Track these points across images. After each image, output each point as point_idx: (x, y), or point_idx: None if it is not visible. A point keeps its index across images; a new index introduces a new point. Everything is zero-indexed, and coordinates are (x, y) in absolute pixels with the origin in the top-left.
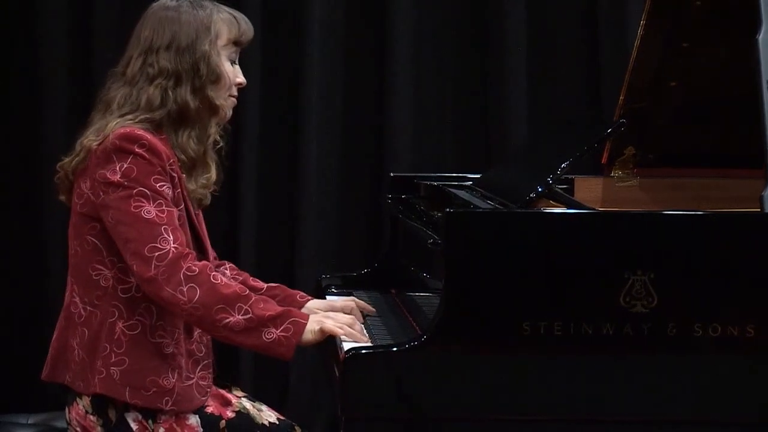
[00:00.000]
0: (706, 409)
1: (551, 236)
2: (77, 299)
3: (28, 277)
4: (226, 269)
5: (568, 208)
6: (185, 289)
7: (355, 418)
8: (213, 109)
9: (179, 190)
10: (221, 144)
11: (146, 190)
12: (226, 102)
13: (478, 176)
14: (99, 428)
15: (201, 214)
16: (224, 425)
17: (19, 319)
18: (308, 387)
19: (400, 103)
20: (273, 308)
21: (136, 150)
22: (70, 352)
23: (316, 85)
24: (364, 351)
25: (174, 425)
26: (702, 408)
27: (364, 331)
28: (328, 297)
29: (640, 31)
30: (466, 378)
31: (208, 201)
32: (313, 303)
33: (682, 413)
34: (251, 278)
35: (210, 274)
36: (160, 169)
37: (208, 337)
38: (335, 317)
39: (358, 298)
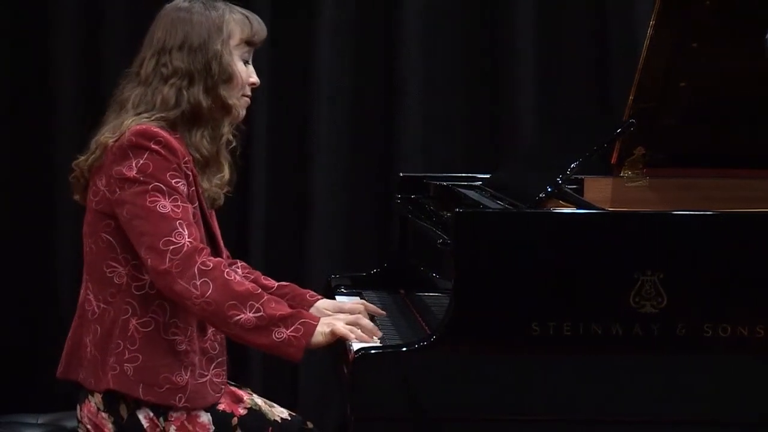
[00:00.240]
0: (716, 409)
1: (561, 236)
2: (91, 297)
3: (38, 278)
4: (238, 268)
5: (577, 209)
6: (198, 284)
7: (364, 419)
8: (226, 108)
9: (194, 188)
10: (234, 143)
11: (162, 186)
12: (239, 102)
13: (488, 176)
14: (110, 425)
15: (214, 214)
16: (236, 422)
17: (29, 319)
18: (318, 387)
19: (409, 103)
20: (284, 308)
21: (152, 146)
22: (83, 349)
23: (325, 85)
24: (373, 351)
25: (185, 423)
26: (712, 408)
27: (377, 329)
28: (337, 297)
29: (649, 32)
30: (476, 378)
31: (221, 201)
32: (323, 303)
33: (692, 413)
34: (263, 276)
35: (224, 271)
36: (175, 165)
37: (222, 334)
38: (345, 319)
39: (367, 298)
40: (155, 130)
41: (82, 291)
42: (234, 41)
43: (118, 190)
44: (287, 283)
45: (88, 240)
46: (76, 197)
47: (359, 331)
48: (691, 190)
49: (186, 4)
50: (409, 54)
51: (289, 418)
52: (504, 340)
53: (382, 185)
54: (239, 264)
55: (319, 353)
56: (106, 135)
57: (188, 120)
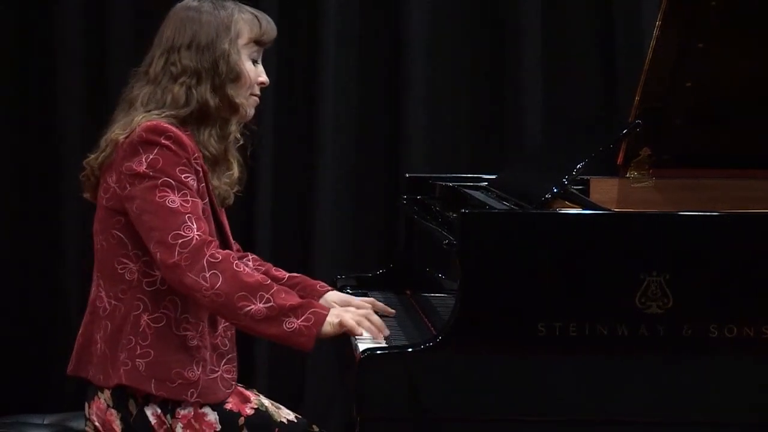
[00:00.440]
0: (722, 410)
1: (566, 237)
2: (102, 293)
3: (45, 277)
4: (249, 261)
5: (583, 209)
6: (208, 276)
7: (370, 419)
8: (233, 107)
9: (203, 184)
10: (241, 142)
11: (171, 180)
12: (247, 101)
13: (494, 177)
14: (119, 422)
15: (224, 212)
16: (243, 422)
17: (35, 320)
18: (324, 388)
19: (415, 104)
20: (294, 298)
21: (163, 141)
22: (93, 345)
23: (331, 85)
24: (379, 352)
25: (192, 421)
26: (718, 409)
27: (384, 327)
28: (349, 289)
29: (655, 32)
30: (482, 379)
31: (231, 200)
32: (332, 295)
33: (697, 414)
34: (274, 268)
35: (233, 262)
36: (185, 160)
37: (233, 331)
38: (355, 313)
39: (373, 298)
40: (165, 125)
41: (93, 288)
42: (242, 40)
43: (128, 185)
44: (298, 275)
45: (98, 237)
46: (87, 195)
47: (367, 323)
48: (697, 191)
49: (195, 3)
50: (415, 54)
51: (296, 421)
52: (510, 341)
53: (388, 186)
54: (250, 257)
55: (324, 350)
56: (117, 132)
57: (197, 119)
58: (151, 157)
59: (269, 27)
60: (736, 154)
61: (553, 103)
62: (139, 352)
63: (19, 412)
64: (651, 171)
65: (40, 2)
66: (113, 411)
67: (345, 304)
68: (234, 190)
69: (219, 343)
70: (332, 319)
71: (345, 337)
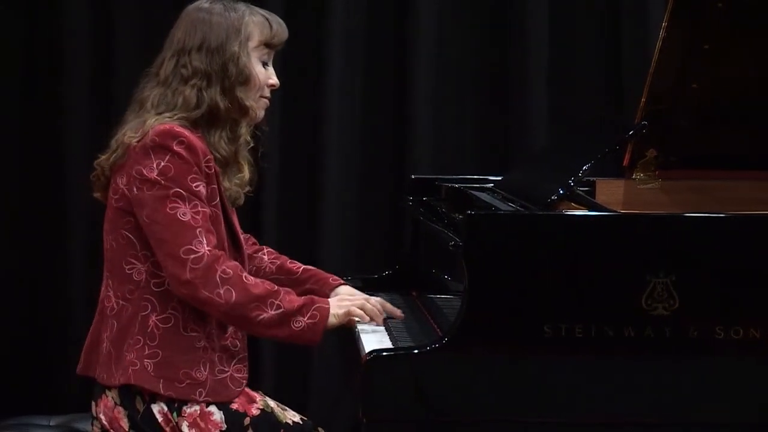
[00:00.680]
0: (728, 411)
1: (572, 238)
2: (111, 293)
3: (51, 279)
4: (264, 254)
5: (589, 211)
6: (222, 292)
7: (376, 420)
8: (243, 109)
9: (215, 185)
10: (251, 144)
11: (182, 191)
12: (257, 103)
13: (499, 178)
14: (126, 419)
15: (234, 212)
16: (248, 422)
17: (41, 321)
18: (330, 389)
19: (420, 106)
20: (298, 299)
21: (175, 148)
22: (101, 345)
23: (336, 87)
24: (385, 353)
25: (198, 420)
26: (724, 411)
27: (380, 306)
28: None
29: (661, 33)
30: (487, 380)
31: (241, 201)
32: (344, 288)
33: (704, 416)
34: (288, 261)
35: (242, 276)
36: (196, 168)
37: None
38: (353, 300)
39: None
40: (178, 129)
41: (102, 288)
42: (253, 43)
43: (136, 189)
44: (311, 267)
45: (108, 237)
46: (97, 195)
47: (369, 306)
48: (704, 193)
49: (207, 4)
50: (421, 55)
51: (301, 422)
52: (515, 342)
53: (394, 187)
54: (265, 250)
55: (330, 356)
56: (129, 135)
57: (207, 121)
58: (162, 164)
59: (280, 30)
60: (742, 156)
61: (559, 104)
62: (147, 352)
63: (25, 413)
64: (657, 172)
65: (46, 3)
66: (120, 409)
67: (349, 305)
68: (245, 191)
69: (229, 344)
70: (336, 310)
71: (349, 334)
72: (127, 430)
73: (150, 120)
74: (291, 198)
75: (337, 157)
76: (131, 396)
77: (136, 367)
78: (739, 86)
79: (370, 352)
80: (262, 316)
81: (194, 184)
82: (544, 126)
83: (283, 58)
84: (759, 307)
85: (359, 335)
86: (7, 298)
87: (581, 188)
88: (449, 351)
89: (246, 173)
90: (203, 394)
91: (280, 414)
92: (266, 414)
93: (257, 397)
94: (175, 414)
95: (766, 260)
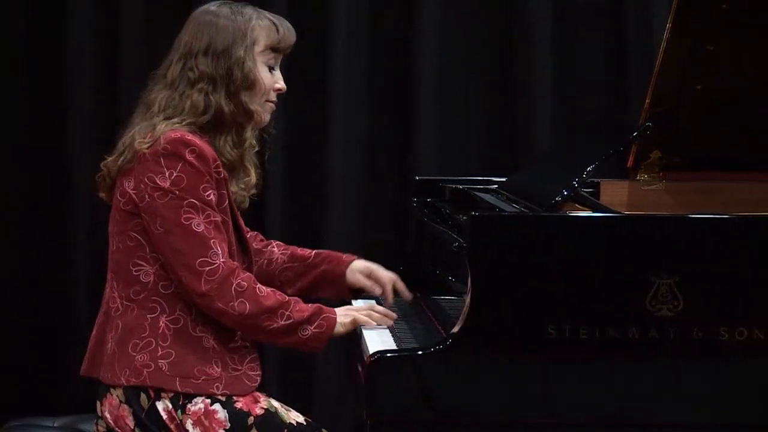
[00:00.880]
0: (731, 413)
1: (577, 240)
2: (116, 294)
3: (55, 281)
4: (274, 246)
5: (593, 212)
6: (236, 304)
7: (380, 422)
8: (248, 114)
9: (224, 190)
10: (257, 148)
11: (196, 202)
12: (262, 108)
13: (503, 179)
14: (130, 417)
15: (239, 213)
16: (252, 421)
17: (45, 323)
18: (333, 390)
19: (425, 107)
20: (307, 308)
21: (187, 156)
22: (105, 345)
23: (341, 87)
24: (389, 354)
25: (202, 418)
26: (728, 412)
27: (391, 313)
28: (353, 302)
29: (666, 35)
30: (491, 381)
31: (246, 204)
32: (358, 263)
33: (708, 417)
34: (299, 249)
35: (255, 288)
36: (207, 177)
37: None
38: (359, 309)
39: (383, 302)
40: (189, 137)
41: (107, 289)
42: (259, 47)
43: (147, 197)
44: (322, 250)
45: (114, 239)
46: (102, 195)
47: (376, 315)
48: (708, 194)
49: (214, 8)
50: (425, 57)
51: (305, 423)
52: (519, 344)
53: (398, 188)
54: (274, 243)
55: (334, 358)
56: (139, 140)
57: (213, 125)
58: (174, 174)
59: (287, 34)
60: (747, 157)
61: (563, 106)
62: (160, 353)
63: (30, 415)
64: (661, 174)
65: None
66: (125, 407)
67: (369, 272)
68: (250, 194)
69: (239, 345)
70: (343, 319)
71: (353, 335)
72: (132, 428)
73: (160, 125)
74: (295, 199)
75: (341, 158)
76: (136, 394)
77: (151, 369)
78: (743, 88)
79: (374, 353)
80: (272, 326)
81: (206, 193)
82: (549, 128)
83: (286, 59)
84: (763, 309)
85: (363, 336)
86: (10, 299)
87: (585, 189)
88: (453, 352)
89: (252, 176)
90: (221, 388)
91: (284, 414)
92: (270, 414)
93: (261, 397)
94: (179, 412)
95: None
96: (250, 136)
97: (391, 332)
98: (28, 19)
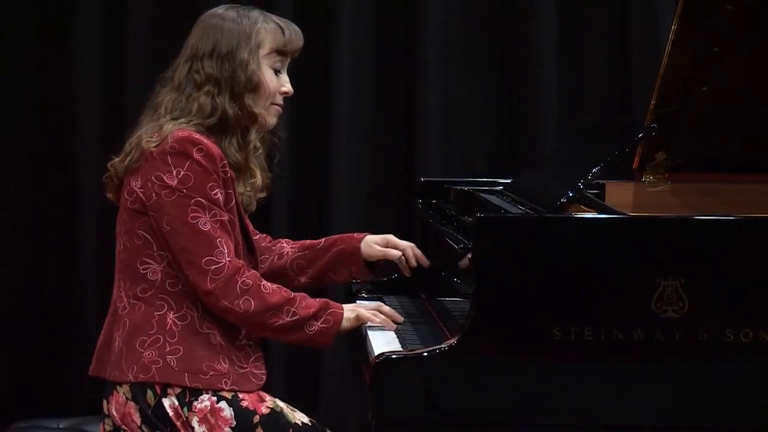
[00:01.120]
0: (737, 414)
1: (582, 241)
2: (123, 294)
3: (60, 283)
4: (284, 243)
5: (599, 213)
6: (241, 302)
7: (385, 423)
8: (252, 116)
9: (230, 190)
10: (260, 150)
11: (203, 200)
12: (267, 111)
13: (509, 181)
14: (138, 414)
15: (246, 216)
16: (258, 420)
17: (51, 324)
18: (339, 392)
19: (430, 108)
20: (314, 304)
21: (195, 155)
22: (112, 344)
23: (346, 89)
24: (394, 356)
25: (208, 415)
26: (733, 414)
27: (397, 315)
28: (358, 302)
29: (671, 36)
30: (497, 383)
31: (253, 207)
32: (371, 237)
33: (713, 419)
34: (308, 241)
35: (260, 285)
36: (215, 176)
37: None
38: (367, 307)
39: (388, 302)
40: (197, 137)
41: (114, 290)
42: (264, 50)
43: (155, 195)
44: (332, 236)
45: (122, 238)
46: (110, 196)
47: (382, 315)
48: (713, 195)
49: (221, 12)
50: (430, 58)
51: (310, 424)
52: (525, 345)
53: (404, 190)
54: (283, 242)
55: (339, 360)
56: (147, 140)
57: (219, 127)
58: (182, 172)
59: (294, 37)
60: (752, 159)
61: (569, 108)
62: (168, 349)
63: (35, 416)
64: (666, 175)
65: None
66: (132, 404)
67: (384, 243)
68: (258, 197)
69: (244, 344)
70: (348, 315)
71: (358, 335)
72: (139, 425)
73: (167, 125)
74: (300, 200)
75: (346, 159)
76: (143, 391)
77: (159, 365)
78: (749, 89)
79: (379, 355)
80: (278, 323)
81: (213, 192)
82: (554, 129)
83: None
84: None
85: (368, 337)
86: (17, 302)
87: (591, 191)
88: (458, 353)
89: (258, 178)
90: (229, 384)
91: (289, 414)
92: (276, 413)
93: (267, 396)
94: (185, 409)
95: None
96: (254, 138)
97: (396, 333)
98: (35, 20)
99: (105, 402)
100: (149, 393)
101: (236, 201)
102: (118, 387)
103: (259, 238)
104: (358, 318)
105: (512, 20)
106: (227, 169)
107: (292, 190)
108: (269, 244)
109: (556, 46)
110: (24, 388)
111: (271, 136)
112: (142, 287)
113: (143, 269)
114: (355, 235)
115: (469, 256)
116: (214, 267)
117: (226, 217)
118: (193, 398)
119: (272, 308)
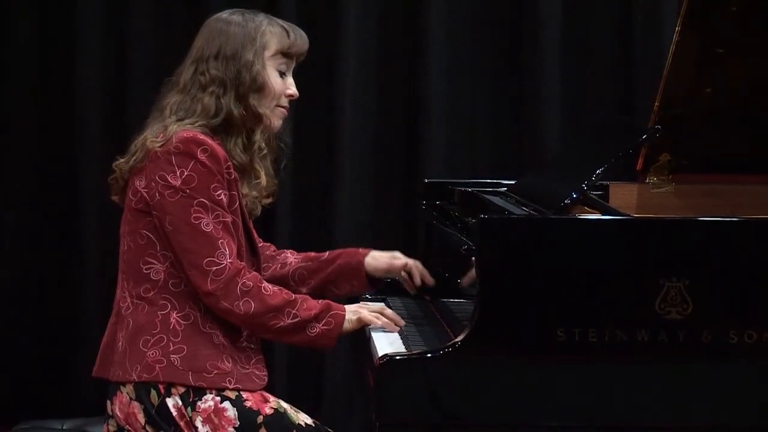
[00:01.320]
0: (741, 416)
1: (586, 243)
2: (126, 294)
3: (63, 284)
4: (288, 253)
5: (603, 215)
6: (241, 304)
7: (389, 424)
8: (256, 117)
9: (234, 192)
10: (264, 152)
11: (206, 201)
12: (272, 112)
13: (513, 182)
14: (141, 414)
15: (250, 220)
16: (261, 420)
17: (54, 326)
18: (343, 393)
19: (433, 110)
20: (315, 306)
21: (199, 156)
22: (116, 344)
23: (350, 90)
24: (398, 357)
25: (212, 415)
26: (737, 415)
27: (399, 318)
28: (362, 302)
29: (675, 38)
30: (500, 384)
31: (258, 212)
32: (375, 253)
33: (717, 420)
34: (313, 253)
35: (261, 287)
36: (219, 177)
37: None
38: (370, 308)
39: (392, 304)
40: (201, 137)
41: (117, 291)
42: (269, 52)
43: (158, 195)
44: (336, 250)
45: (126, 239)
46: (115, 198)
47: (384, 318)
48: (717, 197)
49: (227, 15)
50: (434, 59)
51: (314, 426)
52: (529, 347)
53: (408, 191)
54: (287, 252)
55: (342, 361)
56: (151, 140)
57: (224, 128)
58: (186, 172)
59: (299, 40)
60: (756, 160)
61: (572, 109)
62: (172, 348)
63: (39, 417)
64: (670, 176)
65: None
66: (136, 403)
67: (389, 258)
68: (263, 203)
69: (246, 345)
70: (350, 316)
71: (362, 336)
72: (143, 424)
73: (172, 126)
74: (304, 202)
75: (350, 161)
76: (146, 390)
77: (163, 364)
78: (753, 90)
79: (383, 356)
80: (279, 325)
81: (216, 193)
82: (557, 130)
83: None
84: None
85: (372, 338)
86: (20, 302)
87: (595, 192)
88: (462, 355)
89: (263, 180)
90: (233, 382)
91: (293, 415)
92: (279, 414)
93: (271, 397)
94: (189, 409)
95: None
96: (259, 139)
97: (400, 335)
98: (39, 22)
99: (109, 403)
100: (153, 393)
101: (240, 203)
102: (121, 387)
103: (263, 246)
104: (360, 320)
105: (516, 21)
106: (231, 170)
107: (296, 191)
108: (273, 253)
109: (560, 48)
110: (27, 389)
111: (278, 142)
112: (145, 287)
113: (146, 269)
114: (360, 250)
115: (473, 257)
116: (215, 268)
117: (229, 219)
118: (196, 398)
119: (273, 310)
